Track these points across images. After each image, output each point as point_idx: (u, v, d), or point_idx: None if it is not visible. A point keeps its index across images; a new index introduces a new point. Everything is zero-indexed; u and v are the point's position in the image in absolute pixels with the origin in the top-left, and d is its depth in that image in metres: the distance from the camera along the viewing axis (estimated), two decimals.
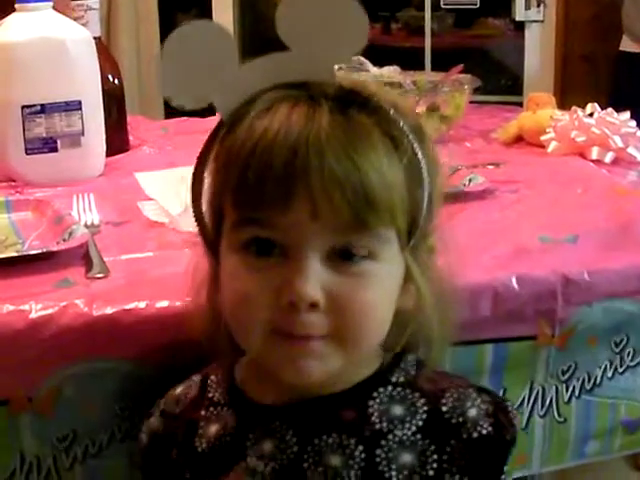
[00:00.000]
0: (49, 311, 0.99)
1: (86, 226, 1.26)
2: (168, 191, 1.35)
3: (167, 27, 3.68)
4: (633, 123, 1.63)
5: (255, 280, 0.78)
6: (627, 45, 2.78)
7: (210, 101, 0.84)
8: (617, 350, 1.14)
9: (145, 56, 3.52)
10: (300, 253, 0.77)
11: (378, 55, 1.97)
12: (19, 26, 1.57)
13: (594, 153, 1.60)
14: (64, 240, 1.19)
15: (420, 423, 0.83)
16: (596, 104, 1.68)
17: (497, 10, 3.82)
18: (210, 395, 0.91)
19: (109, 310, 0.99)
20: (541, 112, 1.75)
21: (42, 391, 0.99)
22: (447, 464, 0.82)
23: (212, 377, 0.92)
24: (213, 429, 0.88)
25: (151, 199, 1.35)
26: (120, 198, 1.43)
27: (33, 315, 0.98)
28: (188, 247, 1.18)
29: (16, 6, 1.60)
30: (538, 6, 3.41)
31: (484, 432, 0.82)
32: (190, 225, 1.20)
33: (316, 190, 0.75)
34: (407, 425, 0.83)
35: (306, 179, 0.75)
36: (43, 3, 1.59)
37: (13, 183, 1.55)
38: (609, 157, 1.59)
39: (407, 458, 0.82)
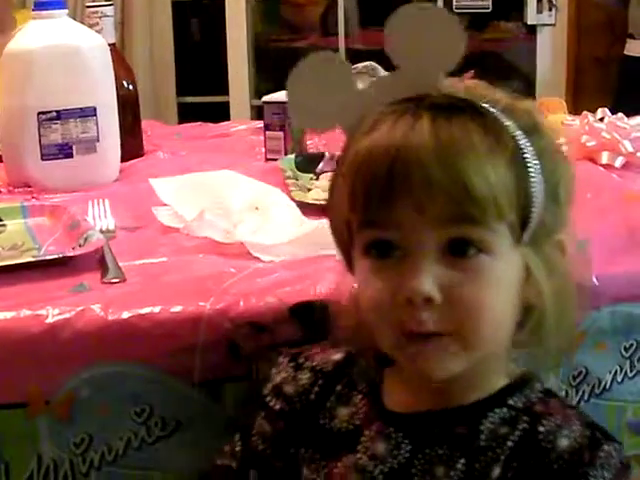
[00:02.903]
0: (65, 315, 1.01)
1: (101, 231, 1.28)
2: (182, 196, 1.36)
3: (181, 33, 3.70)
4: None
5: (379, 282, 0.82)
6: (631, 49, 2.79)
7: (334, 123, 0.91)
8: (627, 355, 1.14)
9: (159, 61, 3.54)
10: (414, 251, 0.81)
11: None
12: (35, 33, 1.59)
13: (604, 158, 1.60)
14: (80, 245, 1.20)
15: (516, 439, 0.84)
16: (606, 109, 1.69)
17: (509, 14, 3.82)
18: (353, 376, 0.94)
19: (125, 315, 1.01)
20: (552, 117, 1.76)
21: (59, 394, 1.00)
22: None
23: (361, 360, 0.94)
24: (344, 411, 0.92)
25: (165, 204, 1.36)
26: (135, 203, 1.44)
27: (50, 320, 1.00)
28: (202, 252, 1.20)
29: (32, 14, 1.63)
30: (550, 10, 3.42)
31: (562, 463, 0.82)
32: (204, 231, 1.23)
33: (418, 191, 0.79)
34: (506, 442, 0.84)
35: (408, 182, 0.79)
36: (58, 11, 1.61)
37: (29, 189, 1.57)
38: (619, 162, 1.60)
39: (496, 472, 0.84)
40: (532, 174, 0.82)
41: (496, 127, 0.82)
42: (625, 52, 2.82)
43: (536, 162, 0.83)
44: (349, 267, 0.90)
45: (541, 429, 0.84)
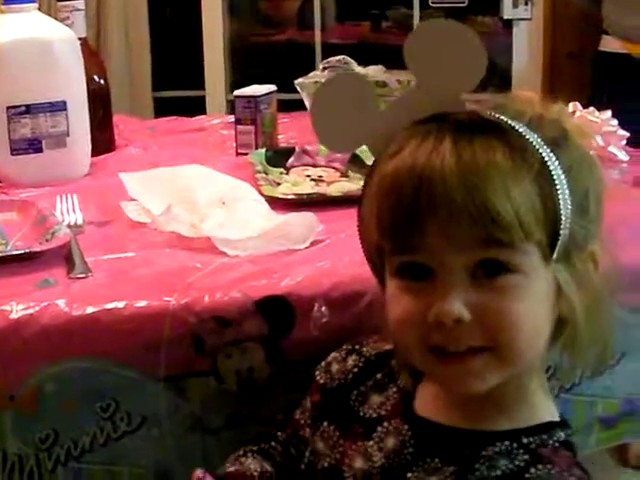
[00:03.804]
0: (30, 311, 1.01)
1: (69, 226, 1.27)
2: (150, 191, 1.36)
3: (157, 25, 3.68)
4: (614, 122, 1.64)
5: (409, 302, 0.83)
6: (606, 45, 2.80)
7: (360, 143, 0.92)
8: None
9: (135, 55, 3.52)
10: (443, 273, 0.81)
11: (368, 53, 2.00)
12: (4, 27, 1.58)
13: None
14: (47, 240, 1.20)
15: (506, 472, 0.82)
16: (577, 103, 1.69)
17: (485, 8, 3.83)
18: (393, 367, 0.95)
19: (89, 310, 1.01)
20: None
21: (24, 389, 1.00)
22: None
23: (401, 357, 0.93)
24: (376, 399, 0.94)
25: (134, 199, 1.36)
26: (104, 198, 1.44)
27: (14, 315, 1.00)
28: (169, 247, 1.20)
29: (2, 8, 1.62)
30: (526, 4, 3.43)
31: None
32: (171, 225, 1.23)
33: (442, 216, 0.79)
34: (496, 470, 0.83)
35: (432, 206, 0.79)
36: (28, 4, 1.60)
37: None
38: None
39: None
40: (559, 190, 0.81)
41: (520, 144, 0.81)
42: (600, 48, 2.83)
43: (563, 177, 0.81)
44: (383, 288, 0.89)
45: (532, 471, 0.82)
